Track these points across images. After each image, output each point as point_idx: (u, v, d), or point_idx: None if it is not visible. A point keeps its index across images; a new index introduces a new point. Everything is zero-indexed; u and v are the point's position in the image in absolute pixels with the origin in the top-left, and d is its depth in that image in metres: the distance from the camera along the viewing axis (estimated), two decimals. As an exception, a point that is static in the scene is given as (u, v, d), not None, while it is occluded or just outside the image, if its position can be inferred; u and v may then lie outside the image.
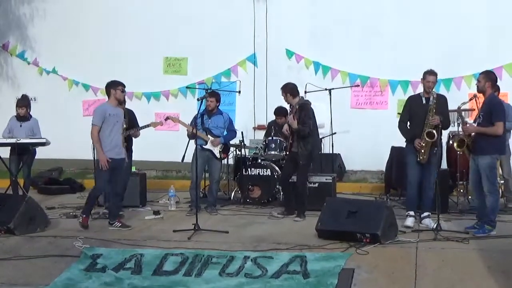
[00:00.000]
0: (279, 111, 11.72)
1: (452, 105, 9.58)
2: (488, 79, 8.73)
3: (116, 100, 9.47)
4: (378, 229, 7.97)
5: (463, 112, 9.32)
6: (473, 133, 8.94)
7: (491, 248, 7.83)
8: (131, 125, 10.54)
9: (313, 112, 10.38)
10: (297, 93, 10.39)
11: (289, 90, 10.32)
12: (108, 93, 9.56)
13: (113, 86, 9.47)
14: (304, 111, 10.14)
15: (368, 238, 7.99)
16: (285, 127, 10.31)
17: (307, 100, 10.58)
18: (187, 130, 10.75)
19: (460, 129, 9.49)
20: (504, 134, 8.81)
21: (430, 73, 9.16)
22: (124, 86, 9.57)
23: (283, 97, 10.43)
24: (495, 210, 8.65)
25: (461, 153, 9.70)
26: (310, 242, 8.22)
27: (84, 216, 9.40)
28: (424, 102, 9.19)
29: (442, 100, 9.19)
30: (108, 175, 9.40)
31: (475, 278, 6.79)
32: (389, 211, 8.35)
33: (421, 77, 9.27)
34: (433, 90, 9.23)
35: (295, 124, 10.04)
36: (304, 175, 10.23)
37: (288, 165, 10.42)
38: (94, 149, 10.76)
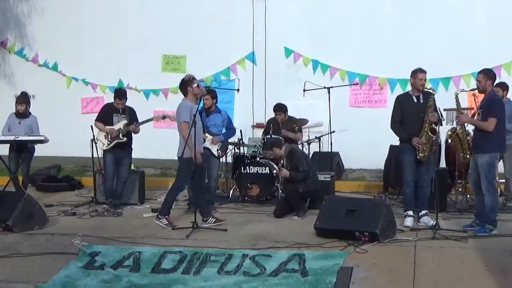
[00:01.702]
0: (278, 107, 11.85)
1: (450, 104, 9.59)
2: (489, 77, 8.70)
3: (194, 96, 9.42)
4: (377, 228, 7.98)
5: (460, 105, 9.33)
6: (466, 124, 9.13)
7: (489, 247, 7.84)
8: (132, 122, 10.62)
9: (302, 152, 10.94)
10: (282, 143, 10.72)
11: (274, 144, 10.70)
12: (184, 91, 9.49)
13: (189, 84, 9.40)
14: (293, 156, 10.46)
15: (366, 236, 8.01)
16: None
17: (293, 145, 11.01)
18: None
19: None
20: (503, 132, 8.76)
21: (421, 71, 9.19)
22: (196, 79, 9.57)
23: (274, 153, 10.74)
24: (494, 209, 8.64)
25: (452, 142, 9.74)
26: (308, 241, 8.22)
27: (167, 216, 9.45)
28: (415, 100, 9.20)
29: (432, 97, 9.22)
30: (192, 171, 9.47)
31: (474, 277, 6.80)
32: (388, 210, 8.35)
33: (410, 75, 9.30)
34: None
35: (287, 173, 10.31)
36: (295, 188, 10.30)
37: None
38: (92, 147, 10.81)
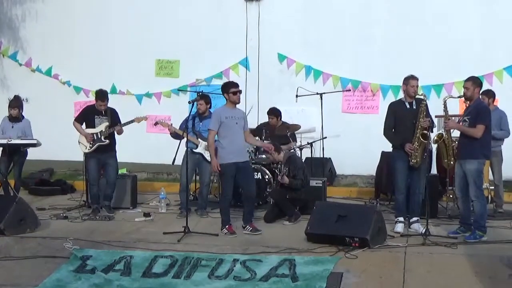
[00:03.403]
0: (272, 111, 11.93)
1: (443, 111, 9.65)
2: (477, 85, 8.83)
3: (231, 102, 9.35)
4: (367, 234, 8.02)
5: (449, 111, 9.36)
6: (452, 130, 9.23)
7: (479, 253, 7.90)
8: (114, 123, 10.60)
9: (301, 161, 10.95)
10: (280, 149, 10.71)
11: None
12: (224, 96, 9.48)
13: (225, 89, 9.37)
14: (291, 164, 10.50)
15: (357, 242, 8.04)
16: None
17: (292, 152, 11.11)
18: (169, 130, 10.80)
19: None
20: (489, 139, 8.85)
21: (413, 77, 9.24)
22: (236, 86, 9.43)
23: (272, 157, 10.77)
24: (483, 215, 8.70)
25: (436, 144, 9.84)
26: (299, 246, 8.26)
27: (228, 225, 9.34)
28: (408, 107, 9.26)
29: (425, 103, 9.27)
30: (231, 180, 9.33)
31: (463, 283, 6.85)
32: (378, 216, 8.39)
33: (402, 82, 9.34)
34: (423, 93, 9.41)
35: (286, 180, 10.27)
36: (283, 193, 10.38)
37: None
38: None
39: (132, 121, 10.79)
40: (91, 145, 10.57)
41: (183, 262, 7.57)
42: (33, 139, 11.08)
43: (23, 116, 11.50)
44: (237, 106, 9.52)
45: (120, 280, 7.15)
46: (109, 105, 10.80)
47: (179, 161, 10.44)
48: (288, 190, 10.30)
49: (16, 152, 11.14)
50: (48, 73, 16.38)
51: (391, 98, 13.62)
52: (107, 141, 10.58)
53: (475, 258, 7.67)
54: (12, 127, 11.30)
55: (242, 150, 9.44)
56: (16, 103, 11.47)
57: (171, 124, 11.11)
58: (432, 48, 13.88)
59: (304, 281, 6.93)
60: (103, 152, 10.63)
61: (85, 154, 10.72)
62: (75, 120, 10.84)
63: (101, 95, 10.70)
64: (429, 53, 13.84)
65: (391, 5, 14.35)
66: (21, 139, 11.06)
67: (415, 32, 14.06)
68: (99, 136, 10.57)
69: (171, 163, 10.35)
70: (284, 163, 10.53)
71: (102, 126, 10.60)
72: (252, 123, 14.38)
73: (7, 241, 8.67)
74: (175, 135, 10.66)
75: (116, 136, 10.79)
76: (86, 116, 10.76)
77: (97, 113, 10.68)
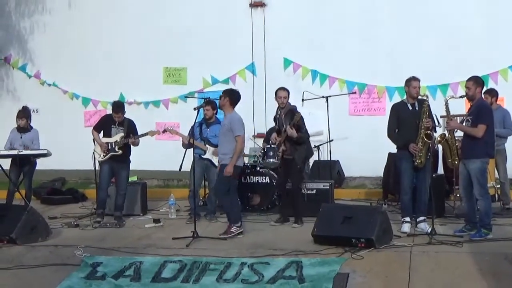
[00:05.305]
0: None
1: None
2: (478, 84, 8.87)
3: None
4: (373, 234, 8.10)
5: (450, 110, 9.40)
6: (455, 130, 9.27)
7: (483, 251, 7.96)
8: (130, 134, 10.72)
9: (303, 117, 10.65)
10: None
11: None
12: None
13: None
14: (294, 116, 10.33)
15: (363, 243, 8.12)
16: (273, 135, 10.58)
17: (294, 105, 10.80)
18: (182, 140, 10.89)
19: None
20: (492, 137, 8.89)
21: (415, 79, 9.34)
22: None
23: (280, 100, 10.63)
24: (488, 213, 8.76)
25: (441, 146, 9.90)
26: (306, 248, 8.33)
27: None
28: (410, 108, 9.35)
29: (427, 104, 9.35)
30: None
31: (467, 281, 6.91)
32: (383, 216, 8.48)
33: (405, 84, 9.44)
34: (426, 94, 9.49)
35: (295, 134, 10.20)
36: (300, 179, 10.44)
37: (284, 171, 10.58)
38: (94, 159, 10.91)
39: (146, 134, 10.89)
40: (104, 154, 10.71)
41: (192, 266, 7.67)
42: (42, 149, 11.17)
43: (31, 127, 11.61)
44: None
45: (130, 285, 7.26)
46: (119, 114, 10.94)
47: (187, 167, 10.54)
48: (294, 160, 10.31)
49: (26, 163, 11.27)
50: (57, 85, 16.56)
51: (397, 99, 13.60)
52: (120, 151, 10.69)
53: (479, 255, 7.73)
54: (21, 137, 11.39)
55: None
56: (23, 113, 11.54)
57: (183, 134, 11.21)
58: (436, 48, 13.94)
59: (311, 282, 7.02)
60: (117, 161, 10.77)
61: (100, 162, 10.86)
62: (93, 128, 10.98)
63: (115, 106, 10.84)
64: (434, 53, 13.90)
65: (395, 7, 14.42)
66: (31, 150, 11.18)
67: (419, 33, 14.13)
68: (113, 146, 10.69)
69: (178, 169, 10.42)
70: (285, 116, 10.40)
71: (117, 136, 10.71)
72: (260, 129, 14.55)
73: (19, 250, 8.79)
74: (187, 145, 10.67)
75: (132, 146, 10.93)
76: (103, 125, 10.93)
77: (114, 123, 10.81)
